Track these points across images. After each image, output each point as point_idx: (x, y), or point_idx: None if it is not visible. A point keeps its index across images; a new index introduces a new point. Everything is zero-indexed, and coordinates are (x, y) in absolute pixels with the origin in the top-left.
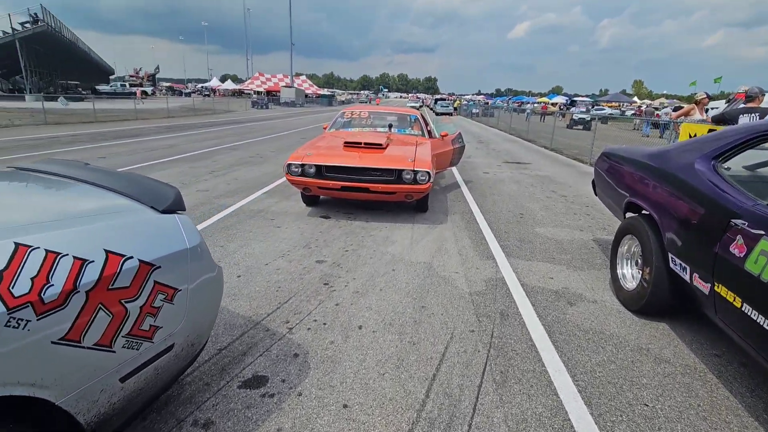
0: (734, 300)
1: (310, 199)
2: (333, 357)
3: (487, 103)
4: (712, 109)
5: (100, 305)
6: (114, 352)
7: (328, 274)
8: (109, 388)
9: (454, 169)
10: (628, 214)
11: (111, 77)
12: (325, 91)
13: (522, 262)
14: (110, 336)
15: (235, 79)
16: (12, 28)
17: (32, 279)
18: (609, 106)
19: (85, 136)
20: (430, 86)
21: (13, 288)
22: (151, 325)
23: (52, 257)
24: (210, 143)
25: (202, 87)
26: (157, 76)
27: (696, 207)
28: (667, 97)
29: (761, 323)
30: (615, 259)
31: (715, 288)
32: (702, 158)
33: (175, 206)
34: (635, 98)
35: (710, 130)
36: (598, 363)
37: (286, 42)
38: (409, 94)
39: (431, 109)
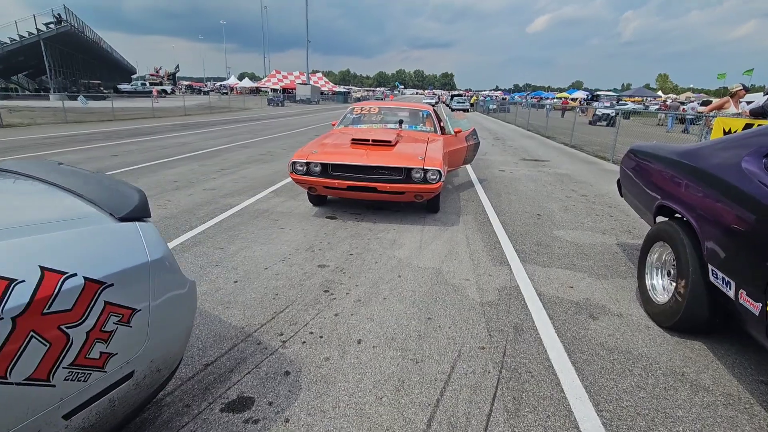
0: None
1: (316, 199)
2: (327, 376)
3: (505, 99)
4: (747, 102)
5: (32, 333)
6: (53, 386)
7: (329, 280)
8: (48, 427)
9: (468, 166)
10: (659, 219)
11: (133, 76)
12: (340, 88)
13: (539, 269)
14: (47, 368)
15: (253, 77)
16: (37, 29)
17: None
18: (632, 101)
19: (101, 135)
20: (446, 82)
21: None
22: (102, 353)
23: None
24: (223, 141)
25: (221, 85)
26: (177, 74)
27: (745, 213)
28: (693, 90)
29: None
30: (643, 268)
31: None
32: (751, 156)
33: (138, 213)
34: (659, 92)
35: (747, 125)
36: (626, 389)
37: (303, 39)
38: (426, 91)
39: (447, 105)
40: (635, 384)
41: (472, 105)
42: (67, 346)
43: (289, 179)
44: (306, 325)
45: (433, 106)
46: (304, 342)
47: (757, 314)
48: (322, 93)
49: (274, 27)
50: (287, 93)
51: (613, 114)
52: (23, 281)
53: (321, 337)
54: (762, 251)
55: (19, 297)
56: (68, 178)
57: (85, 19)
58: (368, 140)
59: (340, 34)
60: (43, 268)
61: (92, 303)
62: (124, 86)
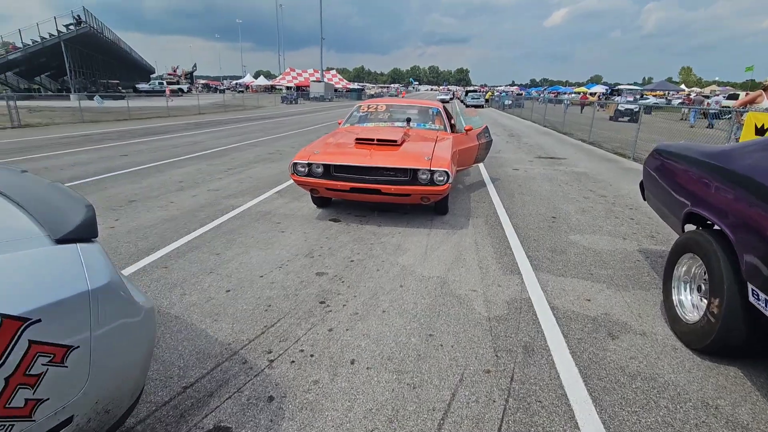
0: None
1: (320, 201)
2: (314, 403)
3: (521, 94)
4: None
5: None
6: None
7: (326, 290)
8: None
9: (480, 165)
10: (689, 227)
11: (152, 76)
12: (355, 85)
13: (553, 279)
14: None
15: (268, 75)
16: (57, 30)
17: None
18: (653, 95)
19: (114, 134)
20: (461, 78)
21: None
22: (27, 400)
23: None
24: (233, 139)
25: (236, 84)
26: (194, 73)
27: None
28: (719, 84)
29: None
30: (669, 281)
31: None
32: None
33: (80, 233)
34: (682, 86)
35: None
36: (650, 426)
37: (318, 37)
38: (440, 87)
39: (462, 101)
40: (661, 419)
41: (487, 101)
42: None
43: None
44: (297, 341)
45: (447, 102)
46: (293, 361)
47: None
48: (335, 90)
49: (289, 25)
50: (301, 90)
51: (636, 109)
52: None
53: (312, 355)
54: None
55: None
56: (14, 189)
57: (107, 20)
58: (373, 140)
59: (355, 32)
60: None
61: (12, 343)
62: (142, 86)
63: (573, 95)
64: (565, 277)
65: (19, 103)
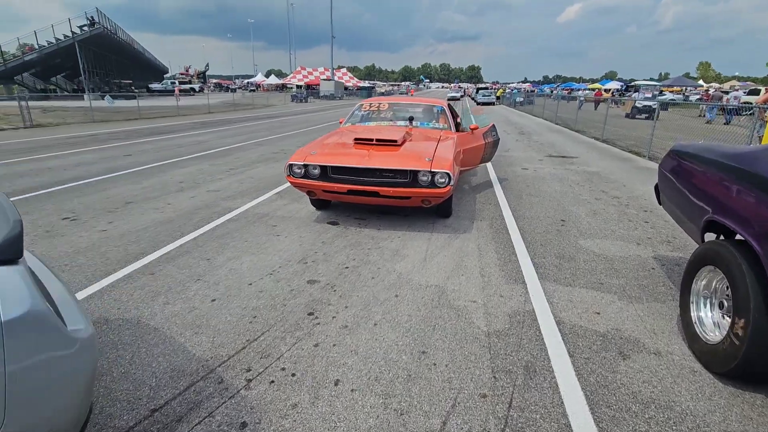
0: None
1: (319, 203)
2: (290, 431)
3: (533, 91)
4: None
5: None
6: None
7: (316, 300)
8: None
9: (488, 164)
10: (709, 236)
11: (165, 75)
12: (365, 83)
13: (560, 289)
14: None
15: (279, 74)
16: (72, 31)
17: None
18: (670, 91)
19: (122, 133)
20: (473, 75)
21: None
22: None
23: None
24: (239, 138)
25: (248, 83)
26: (207, 73)
27: None
28: (739, 79)
29: None
30: (688, 296)
31: None
32: None
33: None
34: (700, 82)
35: None
36: None
37: (329, 36)
38: (452, 84)
39: (473, 98)
40: None
41: (498, 98)
42: None
43: None
44: (279, 358)
45: (457, 99)
46: (272, 381)
47: None
48: (346, 88)
49: (301, 24)
50: (311, 89)
51: (655, 106)
52: None
53: (293, 375)
54: None
55: None
56: None
57: (125, 21)
58: (372, 140)
59: (366, 30)
60: None
61: None
62: (155, 85)
63: (587, 92)
64: (573, 286)
65: (35, 103)
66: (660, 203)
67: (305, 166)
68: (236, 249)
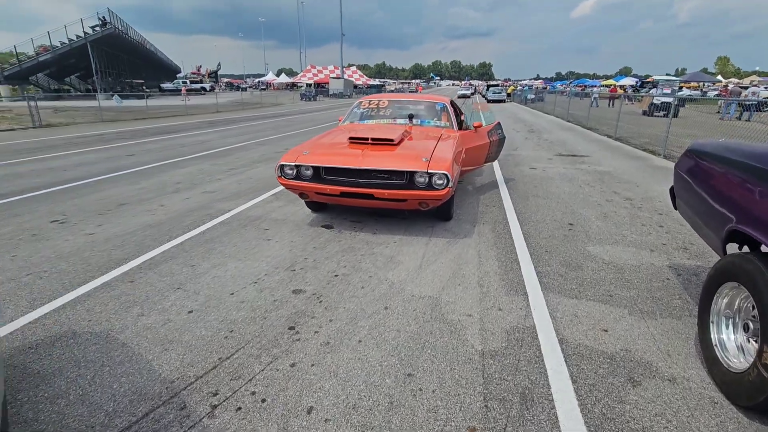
0: None
1: (315, 205)
2: None
3: (546, 88)
4: None
5: None
6: None
7: (300, 312)
8: None
9: (495, 164)
10: (731, 248)
11: (178, 75)
12: (375, 81)
13: (564, 301)
14: None
15: (290, 73)
16: (84, 32)
17: None
18: (687, 87)
19: (128, 133)
20: (484, 72)
21: None
22: None
23: None
24: (243, 138)
25: (258, 82)
26: (219, 72)
27: None
28: (759, 74)
29: None
30: (707, 315)
31: None
32: None
33: None
34: (719, 77)
35: None
36: None
37: (339, 34)
38: (462, 82)
39: (483, 96)
40: None
41: (509, 95)
42: None
43: None
44: (251, 380)
45: (468, 97)
46: (239, 408)
47: None
48: (355, 87)
49: (311, 22)
50: (321, 87)
51: (676, 102)
52: None
53: (263, 401)
54: None
55: None
56: None
57: (139, 21)
58: (367, 139)
59: (377, 28)
60: None
61: None
62: (166, 85)
63: (601, 88)
64: (579, 299)
65: (47, 103)
66: (676, 208)
67: (297, 166)
68: (223, 255)
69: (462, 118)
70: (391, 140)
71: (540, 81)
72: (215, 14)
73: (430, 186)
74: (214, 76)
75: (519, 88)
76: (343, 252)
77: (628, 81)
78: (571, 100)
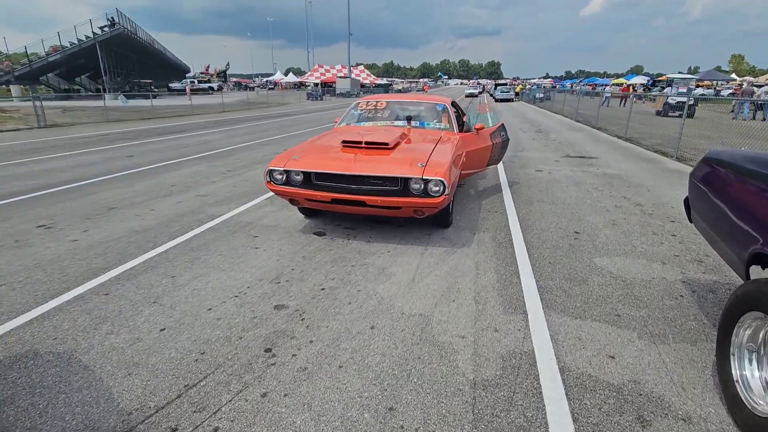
0: None
1: (308, 210)
2: None
3: (555, 87)
4: None
5: None
6: None
7: (279, 332)
8: None
9: (499, 166)
10: (755, 271)
11: (187, 75)
12: (383, 81)
13: (567, 322)
14: None
15: (298, 72)
16: (93, 32)
17: None
18: (700, 86)
19: (132, 133)
20: (493, 71)
21: None
22: None
23: None
24: (246, 138)
25: (266, 81)
26: (227, 72)
27: None
28: None
29: None
30: (728, 346)
31: None
32: None
33: None
34: (733, 75)
35: None
36: None
37: (347, 33)
38: (470, 81)
39: (491, 95)
40: None
41: (517, 94)
42: None
43: None
44: (216, 413)
45: (475, 96)
46: None
47: None
48: (362, 86)
49: (319, 21)
50: (328, 87)
51: (691, 102)
52: None
53: None
54: None
55: None
56: None
57: (148, 21)
58: (360, 142)
59: (385, 27)
60: None
61: None
62: (175, 85)
63: (612, 87)
64: (584, 319)
65: (55, 103)
66: (691, 221)
67: (286, 171)
68: (206, 264)
69: (464, 119)
70: (386, 144)
71: (549, 80)
72: (224, 14)
73: (425, 193)
74: (222, 75)
75: (527, 87)
76: (332, 262)
77: (639, 79)
78: (580, 99)
